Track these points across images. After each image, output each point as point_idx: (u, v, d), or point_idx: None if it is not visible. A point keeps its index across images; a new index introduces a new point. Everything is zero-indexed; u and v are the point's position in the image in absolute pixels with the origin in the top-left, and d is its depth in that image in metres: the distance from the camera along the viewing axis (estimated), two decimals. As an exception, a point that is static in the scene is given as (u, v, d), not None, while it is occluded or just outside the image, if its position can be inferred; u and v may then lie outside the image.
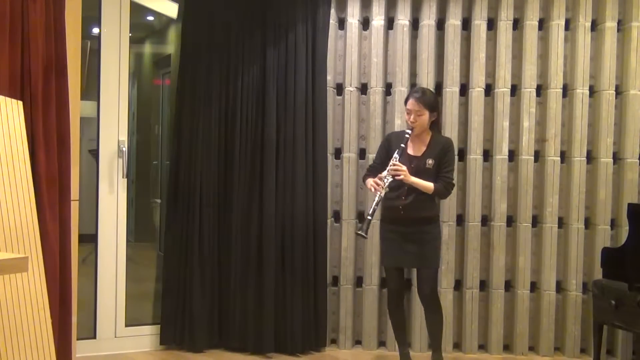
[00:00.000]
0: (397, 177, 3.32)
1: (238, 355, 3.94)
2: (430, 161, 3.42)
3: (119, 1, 3.85)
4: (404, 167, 3.33)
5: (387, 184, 3.31)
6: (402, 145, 3.37)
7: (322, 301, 4.03)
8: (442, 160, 3.43)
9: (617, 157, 4.14)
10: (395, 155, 3.35)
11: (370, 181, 3.41)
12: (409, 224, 3.42)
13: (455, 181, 3.53)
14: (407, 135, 3.39)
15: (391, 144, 3.50)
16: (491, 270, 4.11)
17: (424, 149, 3.47)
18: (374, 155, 4.09)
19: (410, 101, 3.42)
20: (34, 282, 2.56)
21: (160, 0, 4.41)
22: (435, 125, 3.54)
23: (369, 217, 3.27)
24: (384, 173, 3.33)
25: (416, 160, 3.44)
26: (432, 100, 3.45)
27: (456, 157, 4.06)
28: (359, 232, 3.33)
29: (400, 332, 3.64)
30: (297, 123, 3.98)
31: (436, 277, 3.57)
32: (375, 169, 3.53)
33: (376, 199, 3.30)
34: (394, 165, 3.32)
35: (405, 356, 3.61)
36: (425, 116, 3.41)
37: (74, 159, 3.22)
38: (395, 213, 3.44)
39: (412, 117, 3.40)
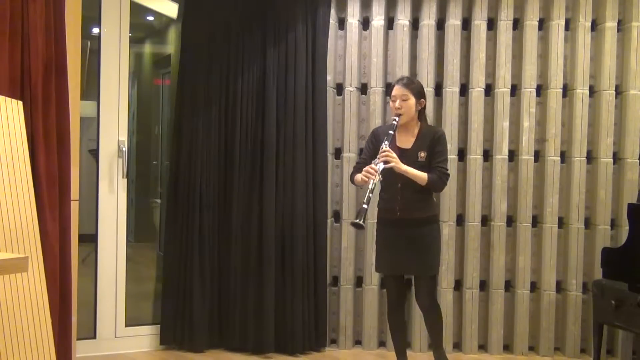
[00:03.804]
0: (387, 165, 3.08)
1: (238, 355, 3.94)
2: (422, 154, 3.21)
3: (119, 1, 3.85)
4: (395, 155, 3.13)
5: (380, 170, 3.07)
6: (391, 132, 3.16)
7: (322, 301, 4.03)
8: (433, 150, 3.22)
9: (617, 157, 4.14)
10: (385, 142, 3.13)
11: (359, 175, 3.19)
12: (407, 226, 3.21)
13: (449, 171, 3.28)
14: (394, 122, 3.18)
15: (379, 137, 3.30)
16: (491, 270, 4.11)
17: (412, 140, 3.26)
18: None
19: (395, 87, 3.26)
20: (34, 282, 2.56)
21: (160, 0, 4.42)
22: (423, 115, 3.34)
23: (365, 206, 3.00)
24: (375, 160, 3.12)
25: (407, 153, 3.22)
26: (417, 86, 3.28)
27: (456, 157, 4.08)
28: (356, 221, 2.99)
29: (399, 341, 3.47)
30: (297, 123, 3.98)
31: (435, 284, 3.40)
32: (363, 165, 3.25)
33: (370, 186, 3.04)
34: (384, 150, 3.11)
35: None
36: (411, 101, 3.21)
37: (74, 159, 3.22)
38: (391, 215, 3.24)
39: (397, 102, 3.21)
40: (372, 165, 3.11)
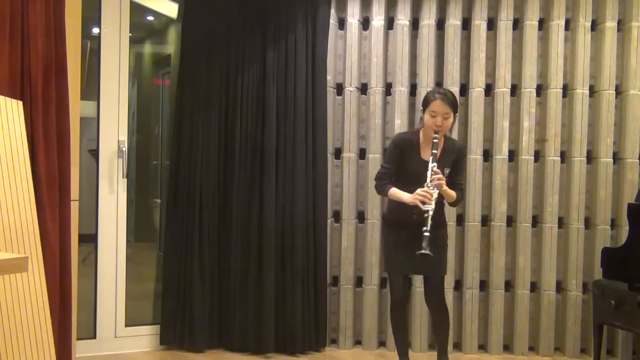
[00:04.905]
0: (441, 191, 3.15)
1: (238, 355, 3.94)
2: (446, 171, 3.27)
3: (119, 1, 3.85)
4: (444, 179, 3.18)
5: (435, 196, 3.11)
6: (434, 151, 3.16)
7: (322, 301, 4.03)
8: (456, 167, 3.34)
9: (617, 157, 4.14)
10: (434, 163, 3.15)
11: (409, 196, 3.17)
12: (421, 228, 3.16)
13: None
14: (435, 140, 3.17)
15: (404, 150, 3.31)
16: (491, 270, 4.11)
17: (437, 153, 3.27)
18: (374, 155, 4.11)
19: (437, 102, 3.18)
20: (34, 282, 2.56)
21: (160, 0, 4.41)
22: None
23: (427, 234, 3.05)
24: (428, 184, 3.14)
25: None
26: (456, 102, 3.27)
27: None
28: (426, 252, 3.03)
29: (402, 340, 3.50)
30: (297, 123, 3.98)
31: (444, 283, 3.46)
32: (389, 175, 3.35)
33: (430, 212, 3.07)
34: (437, 173, 3.14)
35: None
36: (451, 119, 3.21)
37: (74, 159, 3.22)
38: (407, 217, 3.21)
39: (438, 119, 3.17)
40: (428, 190, 3.13)
